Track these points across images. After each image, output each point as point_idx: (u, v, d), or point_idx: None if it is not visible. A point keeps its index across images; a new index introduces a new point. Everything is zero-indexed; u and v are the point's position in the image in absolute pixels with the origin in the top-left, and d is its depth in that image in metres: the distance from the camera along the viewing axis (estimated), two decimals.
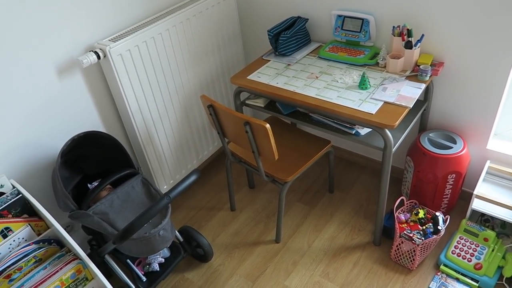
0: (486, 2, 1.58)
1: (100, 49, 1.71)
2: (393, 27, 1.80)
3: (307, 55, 2.05)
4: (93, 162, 1.84)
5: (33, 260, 1.47)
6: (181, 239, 1.92)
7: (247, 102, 1.99)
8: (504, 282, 1.75)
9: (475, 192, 1.83)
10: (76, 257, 1.49)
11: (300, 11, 2.13)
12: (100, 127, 1.95)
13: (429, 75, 1.72)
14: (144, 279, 1.82)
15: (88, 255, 1.47)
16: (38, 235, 1.52)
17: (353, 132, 1.73)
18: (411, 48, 1.76)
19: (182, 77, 2.10)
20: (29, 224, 1.52)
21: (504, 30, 1.60)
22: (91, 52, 1.69)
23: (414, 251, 1.79)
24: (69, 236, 1.45)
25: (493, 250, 1.79)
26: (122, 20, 1.87)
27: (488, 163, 1.92)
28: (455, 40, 1.74)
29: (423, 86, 1.70)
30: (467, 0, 1.62)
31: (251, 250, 2.07)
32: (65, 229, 1.48)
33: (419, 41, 1.75)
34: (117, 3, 1.82)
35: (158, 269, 1.86)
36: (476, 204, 1.85)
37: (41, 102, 1.69)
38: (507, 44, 1.62)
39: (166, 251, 1.92)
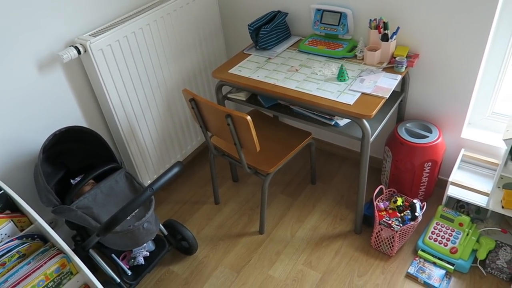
0: None
1: (81, 44, 1.71)
2: (370, 20, 1.85)
3: (287, 48, 2.08)
4: (76, 157, 1.84)
5: (17, 256, 1.46)
6: (166, 233, 1.94)
7: (229, 96, 2.02)
8: (478, 265, 1.82)
9: (450, 179, 1.90)
10: (60, 251, 1.49)
11: (280, 5, 2.16)
12: (82, 122, 1.95)
13: (405, 67, 1.78)
14: (129, 272, 1.83)
15: (73, 250, 1.48)
16: (21, 230, 1.52)
17: (333, 123, 1.77)
18: (387, 40, 1.81)
19: (164, 71, 2.11)
20: (11, 220, 1.52)
21: (475, 23, 1.66)
22: (72, 47, 1.69)
23: (393, 237, 1.85)
24: (52, 231, 1.45)
25: (467, 235, 1.86)
26: (102, 15, 1.87)
27: (462, 151, 2.00)
28: (429, 33, 1.80)
29: (399, 77, 1.76)
30: None
31: (236, 242, 2.10)
32: (49, 225, 1.48)
33: (394, 33, 1.80)
34: None
35: (143, 263, 1.88)
36: (452, 191, 1.92)
37: (22, 97, 1.68)
38: (478, 36, 1.68)
39: (151, 244, 1.93)
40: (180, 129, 2.35)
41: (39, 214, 1.49)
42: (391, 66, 1.82)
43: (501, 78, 1.83)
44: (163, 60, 2.09)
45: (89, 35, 1.75)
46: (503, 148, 1.89)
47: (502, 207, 1.78)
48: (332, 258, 1.96)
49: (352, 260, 1.94)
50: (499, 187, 1.86)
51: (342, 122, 1.78)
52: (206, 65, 2.37)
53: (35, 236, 1.53)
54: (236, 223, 2.21)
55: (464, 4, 1.65)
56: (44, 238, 1.55)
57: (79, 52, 1.70)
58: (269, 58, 2.01)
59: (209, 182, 2.49)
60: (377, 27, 1.83)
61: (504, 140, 1.58)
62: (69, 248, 1.45)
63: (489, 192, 1.81)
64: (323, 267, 1.93)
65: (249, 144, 1.70)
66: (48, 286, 1.43)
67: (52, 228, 1.48)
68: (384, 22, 1.80)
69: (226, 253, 2.05)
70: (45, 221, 1.48)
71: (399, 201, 1.93)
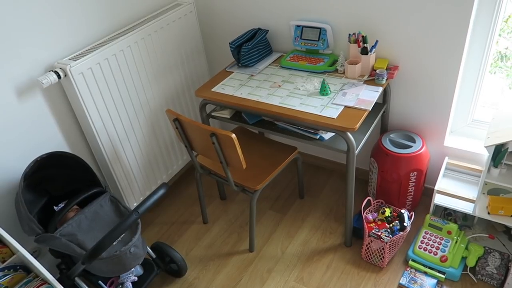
0: (432, 9, 1.68)
1: (61, 68, 1.69)
2: (349, 34, 1.88)
3: (269, 65, 2.10)
4: (59, 183, 1.80)
5: None
6: (154, 256, 1.90)
7: (213, 114, 2.01)
8: (468, 272, 1.83)
9: (436, 188, 1.92)
10: (45, 281, 1.44)
11: (260, 23, 2.19)
12: (64, 147, 1.92)
13: (385, 79, 1.80)
14: None
15: (58, 279, 1.44)
16: (3, 262, 1.47)
17: (318, 137, 1.78)
18: (367, 53, 1.84)
19: (146, 92, 2.10)
20: None
21: (451, 33, 1.70)
22: (51, 72, 1.67)
23: (383, 249, 1.84)
24: (36, 260, 1.41)
25: (456, 242, 1.87)
26: (82, 38, 1.86)
27: (446, 159, 2.02)
28: (407, 44, 1.83)
29: (381, 89, 1.78)
30: (415, 7, 1.72)
31: (226, 261, 2.07)
32: (32, 254, 1.44)
33: (373, 46, 1.83)
34: (76, 21, 1.81)
35: None
36: (438, 199, 1.94)
37: (0, 124, 1.64)
38: (455, 46, 1.72)
39: (139, 268, 1.89)
40: (165, 150, 2.33)
41: (21, 244, 1.45)
42: (372, 78, 1.85)
43: (479, 86, 1.88)
44: (146, 81, 2.08)
45: (69, 59, 1.74)
46: (485, 155, 1.92)
47: (488, 213, 1.80)
48: (324, 272, 1.95)
49: (344, 273, 1.93)
50: (484, 193, 1.88)
51: (327, 135, 1.79)
52: (189, 84, 2.37)
53: (18, 267, 1.48)
54: (226, 242, 2.18)
55: (439, 16, 1.69)
56: (27, 269, 1.50)
57: (59, 76, 1.68)
58: (252, 75, 2.02)
59: (197, 202, 2.47)
60: (356, 41, 1.86)
61: (485, 147, 1.61)
62: (53, 278, 1.40)
63: (474, 199, 1.82)
64: (315, 282, 1.91)
65: (235, 162, 1.69)
66: None
67: (36, 258, 1.43)
68: (363, 36, 1.83)
69: (216, 274, 2.01)
70: (28, 251, 1.44)
71: (387, 212, 1.94)
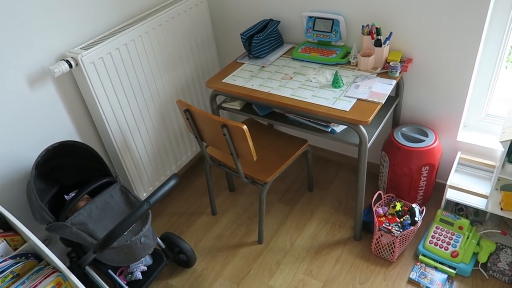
0: (448, 1, 1.65)
1: (72, 57, 1.69)
2: (362, 26, 1.85)
3: (280, 56, 2.07)
4: (70, 173, 1.80)
5: (11, 276, 1.42)
6: (163, 246, 1.91)
7: (223, 105, 2.00)
8: (479, 268, 1.81)
9: (448, 183, 1.89)
10: (56, 269, 1.45)
11: (271, 13, 2.16)
12: (75, 137, 1.92)
13: (399, 72, 1.78)
14: None
15: (68, 268, 1.44)
16: (15, 249, 1.49)
17: (329, 130, 1.76)
18: (380, 46, 1.81)
19: (157, 83, 2.09)
20: (4, 239, 1.48)
21: (467, 26, 1.67)
22: (63, 61, 1.67)
23: (393, 243, 1.83)
24: (47, 249, 1.42)
25: (468, 238, 1.85)
26: (93, 28, 1.85)
27: (459, 154, 1.99)
28: (422, 37, 1.80)
29: (394, 82, 1.75)
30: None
31: (234, 253, 2.07)
32: (43, 242, 1.44)
33: (387, 39, 1.80)
34: (87, 11, 1.80)
35: (141, 278, 1.84)
36: (450, 194, 1.92)
37: (12, 113, 1.65)
38: (470, 39, 1.69)
39: (148, 258, 1.90)
40: (174, 140, 2.33)
41: (32, 232, 1.46)
42: (385, 71, 1.82)
43: (494, 80, 1.84)
44: (156, 71, 2.07)
45: (80, 48, 1.73)
46: (500, 150, 1.89)
47: (501, 209, 1.77)
48: (333, 266, 1.94)
49: (353, 267, 1.92)
50: (497, 189, 1.86)
51: (338, 128, 1.77)
52: (200, 75, 2.36)
53: (29, 255, 1.49)
54: (234, 233, 2.18)
55: (455, 8, 1.65)
56: (38, 257, 1.51)
57: (70, 66, 1.68)
58: (263, 67, 2.00)
59: (206, 193, 2.47)
60: (369, 33, 1.83)
61: (501, 142, 1.58)
62: (64, 266, 1.41)
63: (487, 195, 1.80)
64: (324, 275, 1.90)
65: (246, 154, 1.69)
66: None
67: (46, 246, 1.44)
68: (376, 28, 1.80)
69: (225, 265, 2.02)
70: (39, 239, 1.45)
71: (398, 206, 1.92)
